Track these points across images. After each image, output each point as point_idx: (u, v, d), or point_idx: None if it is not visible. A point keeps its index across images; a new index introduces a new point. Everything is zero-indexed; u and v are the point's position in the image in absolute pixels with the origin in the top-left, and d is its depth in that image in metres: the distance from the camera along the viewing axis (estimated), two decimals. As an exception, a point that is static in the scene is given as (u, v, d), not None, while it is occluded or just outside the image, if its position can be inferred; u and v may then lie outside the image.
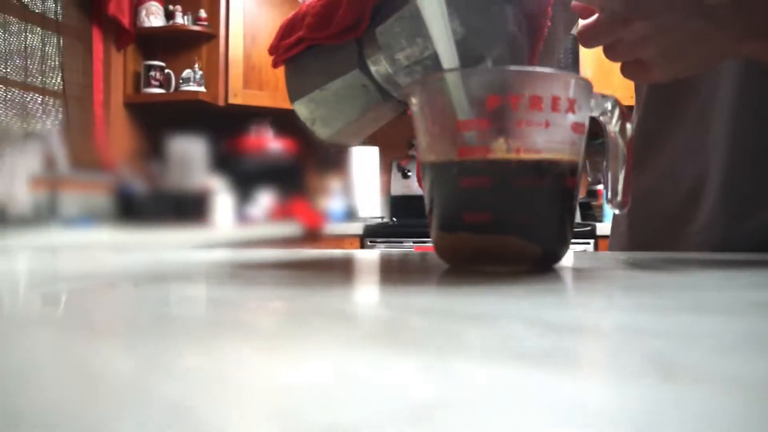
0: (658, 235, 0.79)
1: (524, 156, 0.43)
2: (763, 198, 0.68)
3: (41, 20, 2.31)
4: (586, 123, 0.47)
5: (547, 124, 0.43)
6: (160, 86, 2.67)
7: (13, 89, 2.19)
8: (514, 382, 0.15)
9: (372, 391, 0.14)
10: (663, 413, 0.12)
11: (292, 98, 0.55)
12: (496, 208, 0.44)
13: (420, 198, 0.50)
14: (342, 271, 0.51)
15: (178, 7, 2.69)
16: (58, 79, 2.36)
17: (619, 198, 0.52)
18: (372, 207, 2.98)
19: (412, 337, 0.20)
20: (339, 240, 2.65)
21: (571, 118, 0.44)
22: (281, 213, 2.65)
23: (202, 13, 2.70)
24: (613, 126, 0.51)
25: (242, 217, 2.49)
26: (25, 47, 2.25)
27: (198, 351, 0.18)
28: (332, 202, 2.93)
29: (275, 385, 0.14)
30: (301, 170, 2.95)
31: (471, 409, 0.12)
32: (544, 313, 0.24)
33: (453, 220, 0.46)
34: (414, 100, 0.47)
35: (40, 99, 2.28)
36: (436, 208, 0.47)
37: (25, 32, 2.25)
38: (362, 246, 2.61)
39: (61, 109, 2.35)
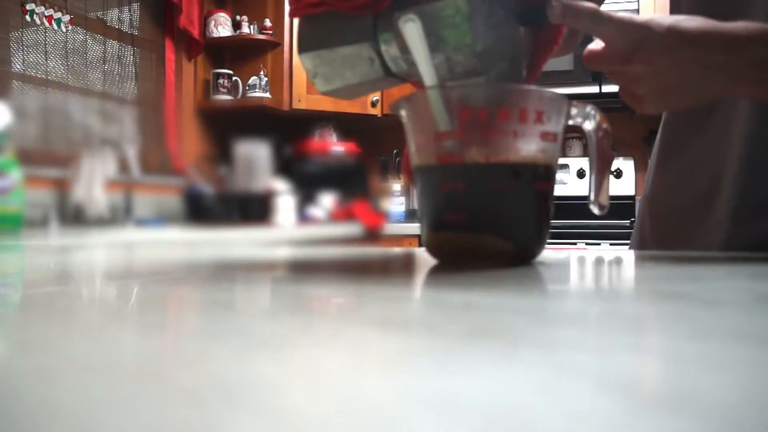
0: (675, 229, 0.82)
1: (494, 162, 0.48)
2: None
3: (118, 34, 2.47)
4: (558, 131, 0.51)
5: (516, 134, 0.48)
6: (228, 93, 2.80)
7: (93, 98, 2.35)
8: (369, 339, 0.20)
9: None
10: (454, 361, 0.18)
11: (301, 49, 0.58)
12: (471, 209, 0.49)
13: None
14: (348, 268, 0.57)
15: (245, 18, 2.82)
16: (133, 88, 2.52)
17: (599, 200, 0.56)
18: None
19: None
20: (398, 240, 2.71)
21: (540, 128, 0.49)
22: (343, 214, 2.73)
23: (267, 23, 2.81)
24: (593, 133, 0.55)
25: (305, 218, 2.59)
26: (104, 59, 2.41)
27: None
28: (393, 203, 3.00)
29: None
30: (363, 172, 3.03)
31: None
32: (446, 295, 0.30)
33: (436, 220, 0.52)
34: (403, 113, 0.53)
35: (116, 107, 2.44)
36: (423, 210, 0.53)
37: (104, 46, 2.41)
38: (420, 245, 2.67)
39: (135, 115, 2.51)
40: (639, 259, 0.60)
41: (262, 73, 2.79)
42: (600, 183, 0.56)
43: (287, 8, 2.83)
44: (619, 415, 0.12)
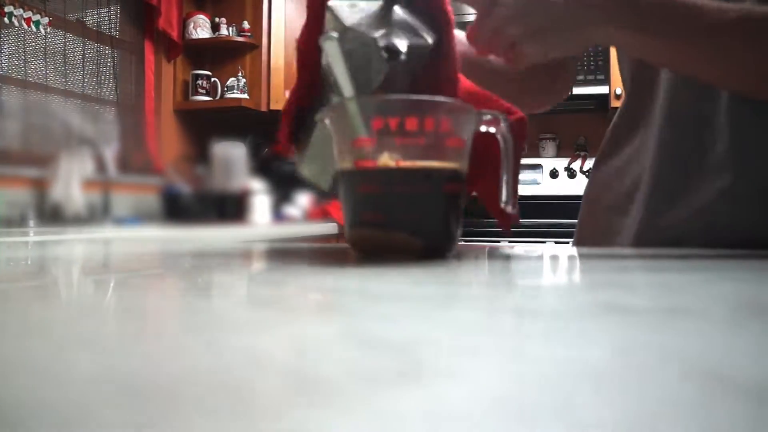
0: (605, 223, 0.88)
1: (403, 166, 0.54)
2: (675, 203, 0.76)
3: (97, 36, 2.51)
4: (465, 138, 0.57)
5: (422, 141, 0.54)
6: (207, 94, 2.85)
7: (72, 99, 2.39)
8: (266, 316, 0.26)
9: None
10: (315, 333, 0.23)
11: (300, 170, 0.66)
12: (383, 209, 0.55)
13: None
14: (274, 260, 0.63)
15: (223, 20, 2.86)
16: (113, 89, 2.56)
17: (511, 200, 0.61)
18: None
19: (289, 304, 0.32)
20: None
21: (445, 135, 0.55)
22: (319, 213, 2.79)
23: (246, 25, 2.86)
24: (504, 139, 0.60)
25: (282, 216, 2.64)
26: (83, 60, 2.45)
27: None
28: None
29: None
30: (341, 172, 3.07)
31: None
32: (319, 281, 0.36)
33: (354, 218, 0.57)
34: (327, 122, 0.58)
35: (95, 108, 2.49)
36: (344, 209, 0.59)
37: (83, 47, 2.45)
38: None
39: (114, 116, 2.55)
40: (546, 254, 0.66)
41: (240, 74, 2.84)
42: (512, 185, 0.61)
43: (265, 11, 2.88)
44: (347, 355, 0.18)
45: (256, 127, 2.83)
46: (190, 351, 0.19)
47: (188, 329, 0.22)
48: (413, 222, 0.55)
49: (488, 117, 0.60)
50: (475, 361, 0.18)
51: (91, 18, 2.50)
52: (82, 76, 2.45)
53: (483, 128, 0.60)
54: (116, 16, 2.61)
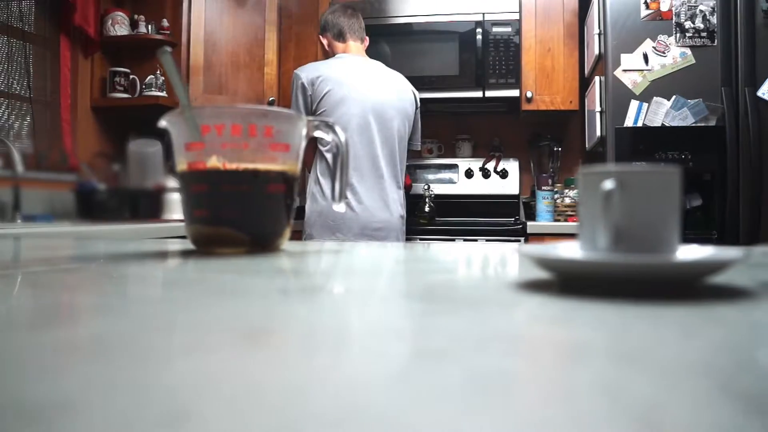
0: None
1: (228, 168, 0.60)
2: None
3: (8, 30, 2.48)
4: (290, 143, 0.63)
5: (246, 146, 0.60)
6: (125, 91, 2.84)
7: (-18, 94, 2.36)
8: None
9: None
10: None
11: None
12: (212, 206, 0.61)
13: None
14: (154, 255, 0.68)
15: (142, 17, 2.86)
16: (25, 85, 2.54)
17: (341, 199, 0.68)
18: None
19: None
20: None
21: (269, 140, 0.61)
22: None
23: (165, 23, 2.86)
24: (336, 144, 0.67)
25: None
26: (-6, 55, 2.43)
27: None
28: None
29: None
30: (262, 170, 3.11)
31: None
32: (167, 273, 0.41)
33: (190, 215, 0.63)
34: (168, 127, 0.64)
35: (6, 103, 2.46)
36: (183, 207, 0.64)
37: (-7, 42, 2.43)
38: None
39: (28, 112, 2.53)
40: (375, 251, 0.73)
41: (158, 72, 2.84)
42: (342, 185, 0.68)
43: (185, 9, 2.89)
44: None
45: (175, 125, 2.84)
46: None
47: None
48: (239, 218, 0.61)
49: (318, 123, 0.66)
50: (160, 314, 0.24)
51: (1, 12, 2.47)
52: (-7, 71, 2.42)
53: (316, 133, 0.67)
54: (30, 10, 2.58)
